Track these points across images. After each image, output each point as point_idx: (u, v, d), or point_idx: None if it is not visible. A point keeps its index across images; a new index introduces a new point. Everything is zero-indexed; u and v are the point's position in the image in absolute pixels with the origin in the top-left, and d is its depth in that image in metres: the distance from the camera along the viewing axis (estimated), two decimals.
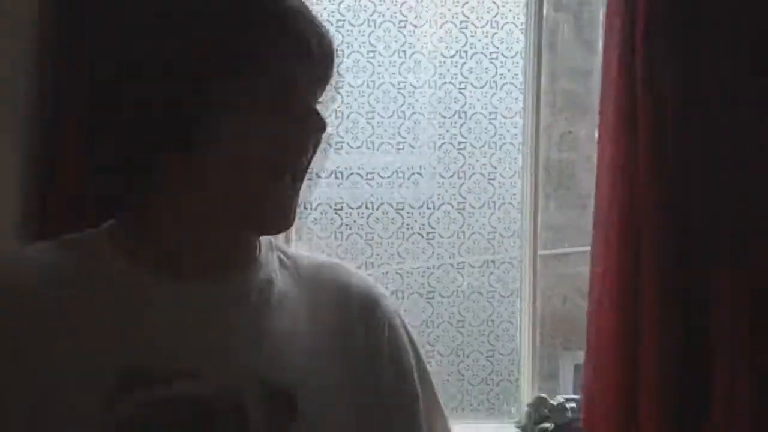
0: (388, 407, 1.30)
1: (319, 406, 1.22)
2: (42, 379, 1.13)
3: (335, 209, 3.48)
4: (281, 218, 1.22)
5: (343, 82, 3.45)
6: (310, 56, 1.20)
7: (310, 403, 1.21)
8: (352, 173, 3.50)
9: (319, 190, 3.46)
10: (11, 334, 1.16)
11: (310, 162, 1.24)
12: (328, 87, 1.26)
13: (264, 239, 1.32)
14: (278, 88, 1.18)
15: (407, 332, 1.37)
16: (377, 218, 3.50)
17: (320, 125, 1.22)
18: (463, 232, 3.53)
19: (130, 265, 1.22)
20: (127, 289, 1.20)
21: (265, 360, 1.21)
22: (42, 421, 1.12)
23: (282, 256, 1.33)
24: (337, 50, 1.25)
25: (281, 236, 1.42)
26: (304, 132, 1.21)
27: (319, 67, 1.23)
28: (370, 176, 3.51)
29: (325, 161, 3.40)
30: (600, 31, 3.43)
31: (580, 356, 3.22)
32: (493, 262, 3.55)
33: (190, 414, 1.16)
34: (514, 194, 3.53)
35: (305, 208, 3.38)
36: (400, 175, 3.53)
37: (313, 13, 1.23)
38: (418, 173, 3.53)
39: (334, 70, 1.24)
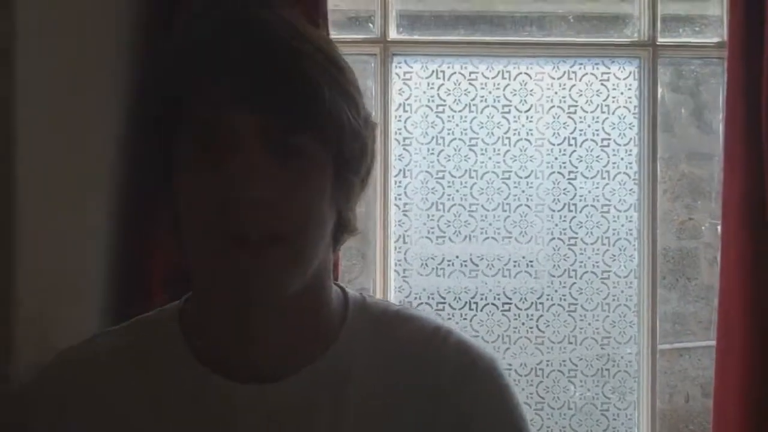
0: None
1: None
2: None
3: (437, 309, 3.28)
4: (238, 287, 1.08)
5: (444, 171, 3.26)
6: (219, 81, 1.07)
7: None
8: (454, 270, 3.29)
9: (418, 282, 3.26)
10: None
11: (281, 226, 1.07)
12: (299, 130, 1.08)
13: (355, 302, 1.22)
14: (202, 137, 1.07)
15: (509, 399, 1.22)
16: (481, 320, 3.24)
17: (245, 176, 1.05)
18: (575, 336, 3.24)
19: (190, 356, 1.17)
20: (187, 391, 1.15)
21: None
22: None
23: (375, 320, 1.22)
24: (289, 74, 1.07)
25: None
26: (231, 186, 1.05)
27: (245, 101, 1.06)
28: (473, 273, 3.29)
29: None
30: (720, 113, 3.17)
31: None
32: (607, 369, 3.26)
33: None
34: (630, 295, 3.23)
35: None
36: (506, 272, 3.28)
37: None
38: (525, 271, 3.25)
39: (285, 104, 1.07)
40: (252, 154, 1.05)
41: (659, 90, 3.29)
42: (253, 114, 1.05)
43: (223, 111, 1.05)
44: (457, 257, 3.28)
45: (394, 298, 3.22)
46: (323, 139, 1.08)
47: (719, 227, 3.02)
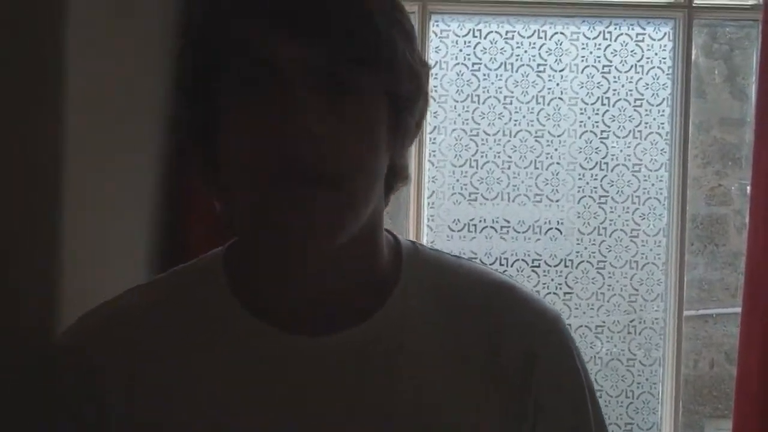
0: None
1: None
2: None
3: None
4: (283, 226, 0.99)
5: (478, 129, 3.31)
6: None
7: None
8: (486, 226, 3.34)
9: (451, 243, 3.31)
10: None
11: (336, 164, 0.98)
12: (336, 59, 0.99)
13: (408, 251, 1.12)
14: (248, 75, 0.99)
15: (573, 355, 1.14)
16: (511, 276, 3.28)
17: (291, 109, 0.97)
18: (603, 293, 3.28)
19: (236, 305, 1.08)
20: (236, 342, 1.06)
21: None
22: None
23: (432, 269, 1.12)
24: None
25: None
26: (278, 121, 0.97)
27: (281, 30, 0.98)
28: (504, 230, 3.32)
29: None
30: (753, 78, 3.20)
31: (726, 425, 2.97)
32: (633, 326, 3.30)
33: None
34: (659, 254, 3.26)
35: None
36: (537, 229, 3.32)
37: None
38: (556, 228, 3.30)
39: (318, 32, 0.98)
40: (300, 90, 0.97)
41: (693, 52, 3.32)
42: (301, 47, 0.97)
43: (270, 45, 0.97)
44: (488, 214, 3.34)
45: None
46: (379, 75, 1.00)
47: (749, 188, 3.04)
